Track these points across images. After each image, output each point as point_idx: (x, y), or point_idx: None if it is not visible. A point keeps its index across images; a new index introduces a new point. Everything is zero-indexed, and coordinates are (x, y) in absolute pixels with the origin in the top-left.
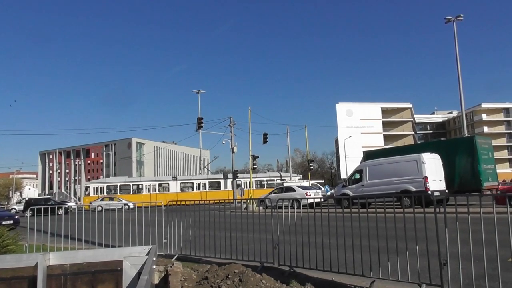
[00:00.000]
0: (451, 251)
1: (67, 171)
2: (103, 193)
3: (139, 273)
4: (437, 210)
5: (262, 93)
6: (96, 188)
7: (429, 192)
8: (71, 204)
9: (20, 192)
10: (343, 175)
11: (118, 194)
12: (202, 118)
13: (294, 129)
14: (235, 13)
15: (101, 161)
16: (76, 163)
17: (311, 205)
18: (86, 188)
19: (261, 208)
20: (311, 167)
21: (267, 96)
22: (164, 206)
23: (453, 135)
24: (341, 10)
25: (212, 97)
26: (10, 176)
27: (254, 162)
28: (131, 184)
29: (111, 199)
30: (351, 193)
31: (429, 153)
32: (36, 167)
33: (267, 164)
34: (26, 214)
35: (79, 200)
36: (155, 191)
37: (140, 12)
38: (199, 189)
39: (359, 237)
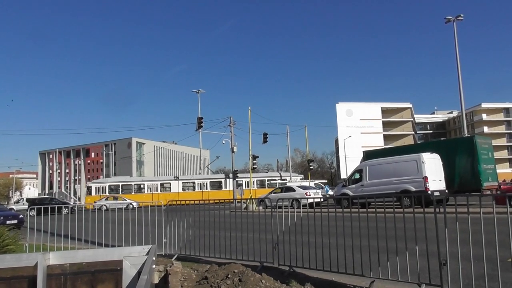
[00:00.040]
0: (450, 251)
1: (67, 170)
2: (105, 193)
3: (139, 273)
4: (437, 210)
5: (262, 93)
6: (98, 187)
7: (429, 192)
8: (72, 203)
9: (20, 192)
10: (343, 175)
11: (120, 193)
12: (202, 118)
13: (294, 129)
14: (235, 13)
15: (101, 161)
16: (76, 162)
17: (311, 205)
18: (88, 187)
19: (261, 208)
20: (311, 167)
21: (267, 96)
22: (164, 206)
23: (453, 135)
24: (341, 10)
25: (212, 97)
26: (10, 176)
27: (254, 162)
28: (132, 183)
29: (116, 198)
30: (351, 193)
31: (429, 153)
32: (36, 167)
33: (267, 164)
34: (28, 214)
35: (79, 200)
36: (156, 191)
37: (140, 12)
38: (200, 189)
39: (359, 237)
